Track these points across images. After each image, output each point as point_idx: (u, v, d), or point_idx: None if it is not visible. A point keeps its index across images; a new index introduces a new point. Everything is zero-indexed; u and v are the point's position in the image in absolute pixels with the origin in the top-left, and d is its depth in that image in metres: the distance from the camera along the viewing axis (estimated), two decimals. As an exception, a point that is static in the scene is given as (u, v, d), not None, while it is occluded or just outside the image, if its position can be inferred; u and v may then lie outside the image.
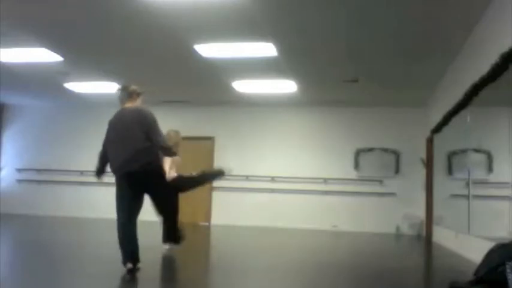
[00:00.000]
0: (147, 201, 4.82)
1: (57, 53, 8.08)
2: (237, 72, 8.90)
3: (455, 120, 7.51)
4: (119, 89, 4.90)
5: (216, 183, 11.66)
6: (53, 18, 6.57)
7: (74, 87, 10.51)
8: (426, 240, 9.62)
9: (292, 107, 11.56)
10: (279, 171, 11.48)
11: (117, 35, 7.19)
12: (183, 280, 4.72)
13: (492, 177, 6.19)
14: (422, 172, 10.55)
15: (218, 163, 11.76)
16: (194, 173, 6.57)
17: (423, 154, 10.54)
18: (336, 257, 6.82)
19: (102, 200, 11.48)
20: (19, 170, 12.69)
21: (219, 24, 6.52)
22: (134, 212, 4.66)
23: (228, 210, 11.60)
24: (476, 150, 6.73)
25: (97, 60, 8.60)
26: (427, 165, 10.30)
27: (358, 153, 11.28)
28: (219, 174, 6.85)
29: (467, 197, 6.78)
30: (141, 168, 4.60)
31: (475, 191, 6.64)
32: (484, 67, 5.50)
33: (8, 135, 12.99)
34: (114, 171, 4.67)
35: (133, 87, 4.88)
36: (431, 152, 9.88)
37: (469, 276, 4.01)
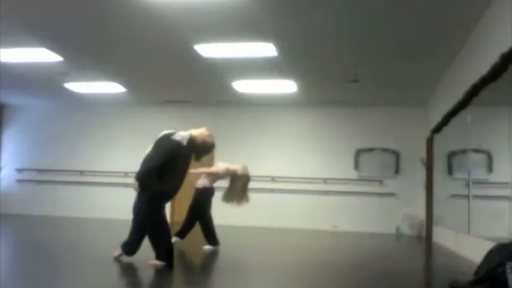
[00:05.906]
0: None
1: (57, 53, 8.08)
2: (237, 72, 8.90)
3: (455, 120, 7.50)
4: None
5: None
6: (53, 18, 6.58)
7: (74, 87, 10.51)
8: (426, 240, 9.62)
9: (292, 107, 11.55)
10: (279, 171, 11.48)
11: (117, 35, 7.19)
12: (183, 280, 4.72)
13: (492, 177, 6.20)
14: (422, 172, 10.55)
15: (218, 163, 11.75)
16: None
17: (423, 154, 10.54)
18: (336, 257, 6.82)
19: (101, 200, 11.49)
20: (19, 170, 12.69)
21: (219, 24, 6.52)
22: None
23: (227, 210, 11.55)
24: (476, 150, 6.73)
25: (97, 60, 8.59)
26: (427, 165, 10.29)
27: (358, 153, 11.27)
28: None
29: (467, 197, 6.78)
30: None
31: (475, 191, 6.64)
32: (484, 67, 5.49)
33: (8, 135, 12.99)
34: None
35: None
36: (431, 152, 9.88)
37: (469, 276, 4.02)
